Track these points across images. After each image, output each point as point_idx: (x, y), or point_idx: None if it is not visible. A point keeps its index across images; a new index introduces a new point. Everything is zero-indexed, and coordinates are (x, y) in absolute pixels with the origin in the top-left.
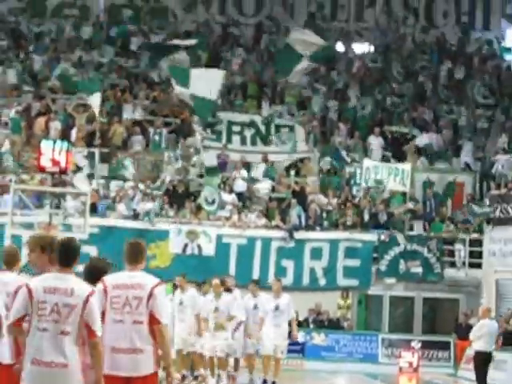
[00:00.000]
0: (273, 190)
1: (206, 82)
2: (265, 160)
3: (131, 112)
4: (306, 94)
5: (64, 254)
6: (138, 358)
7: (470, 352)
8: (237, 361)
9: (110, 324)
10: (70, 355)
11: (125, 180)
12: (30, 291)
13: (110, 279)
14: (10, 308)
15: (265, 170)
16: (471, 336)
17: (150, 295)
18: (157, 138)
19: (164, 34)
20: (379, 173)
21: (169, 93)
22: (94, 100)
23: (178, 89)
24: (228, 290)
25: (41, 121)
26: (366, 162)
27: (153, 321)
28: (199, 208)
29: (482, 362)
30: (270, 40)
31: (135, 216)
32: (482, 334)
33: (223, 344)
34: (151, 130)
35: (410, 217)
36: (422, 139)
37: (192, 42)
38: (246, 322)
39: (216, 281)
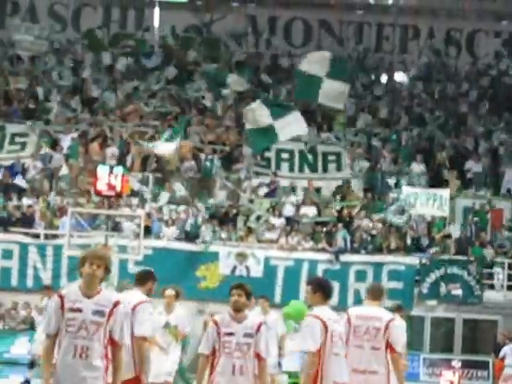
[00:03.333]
0: (319, 214)
1: (290, 124)
2: (311, 186)
3: (183, 138)
4: (352, 122)
5: None
6: (373, 379)
7: (507, 371)
8: None
9: (353, 349)
10: None
11: (178, 204)
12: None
13: (354, 311)
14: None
15: (312, 195)
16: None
17: (386, 327)
18: (208, 163)
19: (216, 63)
20: (418, 199)
21: (219, 119)
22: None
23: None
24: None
25: (96, 146)
26: (406, 189)
27: (391, 349)
28: (249, 231)
29: None
30: None
31: (187, 238)
32: None
33: None
34: (203, 155)
35: (451, 241)
36: (464, 166)
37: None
38: None
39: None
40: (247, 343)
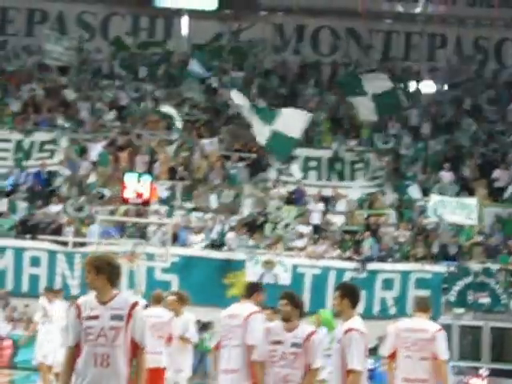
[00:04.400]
0: (346, 222)
1: (292, 121)
2: (339, 194)
3: (211, 146)
4: (380, 130)
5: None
6: None
7: None
8: None
9: (402, 359)
10: None
11: (205, 211)
12: None
13: (402, 324)
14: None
15: (339, 203)
16: None
17: (433, 338)
18: (235, 171)
19: (244, 72)
20: (446, 207)
21: (248, 128)
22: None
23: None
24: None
25: (125, 155)
26: (434, 197)
27: (437, 358)
28: (277, 239)
29: None
30: None
31: (215, 246)
32: None
33: None
34: (229, 163)
35: (479, 249)
36: (492, 174)
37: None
38: None
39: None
40: (294, 353)
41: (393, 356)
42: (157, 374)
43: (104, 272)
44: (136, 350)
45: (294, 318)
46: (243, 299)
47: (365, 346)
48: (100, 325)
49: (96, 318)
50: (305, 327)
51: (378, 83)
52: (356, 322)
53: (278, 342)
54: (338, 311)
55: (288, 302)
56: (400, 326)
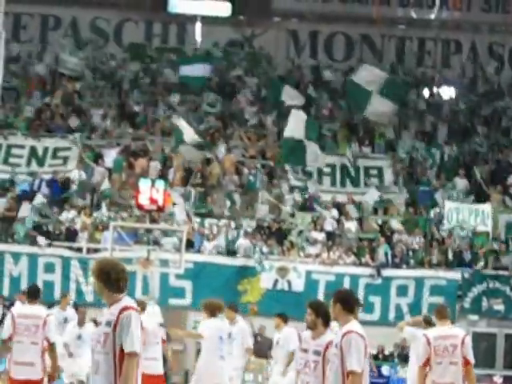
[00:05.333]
0: (361, 229)
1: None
2: (353, 200)
3: (225, 152)
4: (394, 136)
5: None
6: None
7: None
8: None
9: (434, 365)
10: None
11: (219, 218)
12: None
13: (432, 333)
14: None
15: (353, 209)
16: None
17: (462, 343)
18: (251, 177)
19: (257, 77)
20: (461, 213)
21: (265, 134)
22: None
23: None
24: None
25: (141, 161)
26: (448, 204)
27: (466, 362)
28: (291, 245)
29: None
30: None
31: (228, 252)
32: None
33: None
34: (245, 169)
35: (493, 256)
36: (506, 181)
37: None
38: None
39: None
40: (315, 361)
41: (426, 364)
42: (153, 381)
43: (100, 278)
44: (123, 356)
45: (319, 327)
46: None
47: (364, 348)
48: (98, 331)
49: (99, 323)
50: (327, 336)
51: (370, 76)
52: (353, 325)
53: (305, 350)
54: (334, 317)
55: (311, 312)
56: (430, 334)
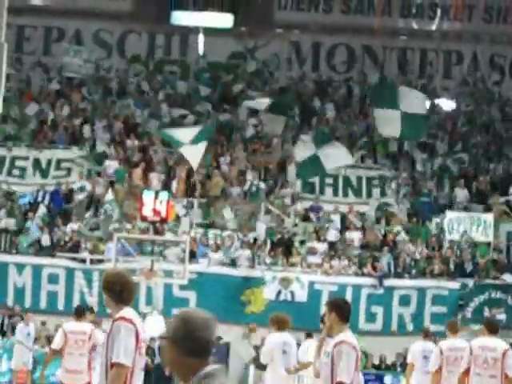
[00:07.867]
0: (363, 239)
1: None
2: (354, 210)
3: (228, 164)
4: (396, 148)
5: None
6: None
7: None
8: None
9: (474, 376)
10: None
11: (222, 229)
12: None
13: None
14: None
15: (356, 220)
16: None
17: (503, 356)
18: (254, 188)
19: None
20: (462, 223)
21: (269, 146)
22: (195, 153)
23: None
24: None
25: (139, 172)
26: (449, 214)
27: (505, 376)
28: (293, 255)
29: None
30: (360, 95)
31: (232, 263)
32: None
33: None
34: (248, 180)
35: (495, 266)
36: (507, 191)
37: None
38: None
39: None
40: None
41: (467, 373)
42: None
43: (106, 289)
44: (111, 366)
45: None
46: None
47: (354, 359)
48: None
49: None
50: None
51: (413, 101)
52: (347, 335)
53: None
54: (328, 326)
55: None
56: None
